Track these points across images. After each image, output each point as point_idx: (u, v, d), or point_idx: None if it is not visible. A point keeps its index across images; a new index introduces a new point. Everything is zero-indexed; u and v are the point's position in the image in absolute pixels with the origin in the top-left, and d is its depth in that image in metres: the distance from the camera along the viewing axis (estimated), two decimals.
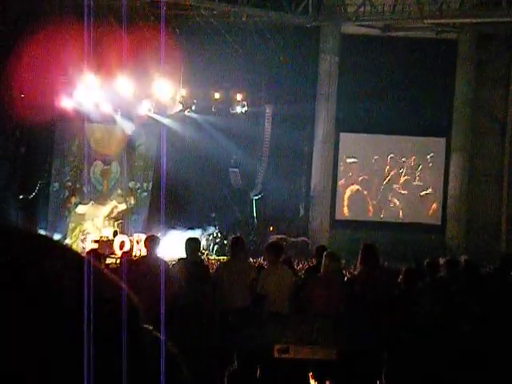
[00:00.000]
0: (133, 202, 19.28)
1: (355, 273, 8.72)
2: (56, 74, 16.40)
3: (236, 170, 20.27)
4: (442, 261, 8.38)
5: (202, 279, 7.14)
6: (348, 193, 21.39)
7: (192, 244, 7.59)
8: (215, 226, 19.12)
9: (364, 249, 7.18)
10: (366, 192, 21.40)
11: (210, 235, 18.67)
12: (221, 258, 16.38)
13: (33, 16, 15.84)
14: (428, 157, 21.22)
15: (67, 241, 17.74)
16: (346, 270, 10.70)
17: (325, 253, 7.34)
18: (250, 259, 13.87)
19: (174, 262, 7.91)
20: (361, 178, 21.43)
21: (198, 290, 6.96)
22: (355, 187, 21.39)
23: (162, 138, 19.35)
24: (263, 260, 11.22)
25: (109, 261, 11.90)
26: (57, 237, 17.65)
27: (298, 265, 15.21)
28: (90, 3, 13.05)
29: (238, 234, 18.99)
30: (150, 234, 13.89)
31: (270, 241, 12.18)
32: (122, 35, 17.19)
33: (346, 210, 21.47)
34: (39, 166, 18.07)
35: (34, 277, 0.62)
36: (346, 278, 8.06)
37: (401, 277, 7.26)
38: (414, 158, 21.37)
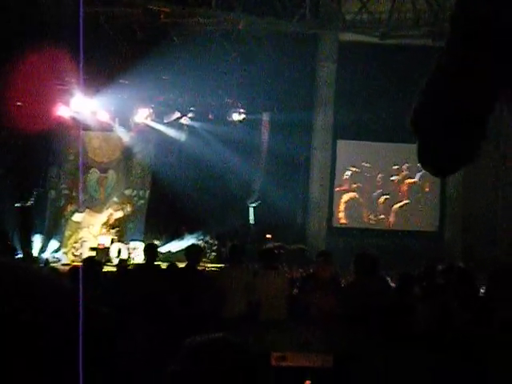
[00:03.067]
0: (129, 209, 19.24)
1: (351, 279, 8.69)
2: (53, 82, 16.38)
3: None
4: (439, 267, 8.37)
5: (198, 286, 7.12)
6: (344, 200, 21.36)
7: (193, 251, 7.61)
8: (212, 234, 19.07)
9: (358, 258, 7.15)
10: (361, 199, 21.38)
11: (206, 242, 18.62)
12: (217, 265, 16.32)
13: (29, 23, 15.83)
14: None
15: (63, 249, 17.71)
16: (343, 277, 10.67)
17: (320, 259, 7.31)
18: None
19: (168, 268, 7.89)
20: (358, 185, 21.41)
21: (192, 296, 6.93)
22: (351, 194, 21.37)
23: (159, 145, 19.34)
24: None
25: (106, 269, 11.84)
26: (53, 245, 17.67)
27: (296, 271, 15.20)
28: (86, 11, 13.07)
29: (235, 242, 19.05)
30: (147, 241, 13.89)
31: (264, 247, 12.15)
32: (119, 43, 17.23)
33: (342, 217, 21.44)
34: (36, 173, 18.02)
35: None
36: (342, 285, 8.04)
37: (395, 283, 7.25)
38: (411, 165, 21.35)
